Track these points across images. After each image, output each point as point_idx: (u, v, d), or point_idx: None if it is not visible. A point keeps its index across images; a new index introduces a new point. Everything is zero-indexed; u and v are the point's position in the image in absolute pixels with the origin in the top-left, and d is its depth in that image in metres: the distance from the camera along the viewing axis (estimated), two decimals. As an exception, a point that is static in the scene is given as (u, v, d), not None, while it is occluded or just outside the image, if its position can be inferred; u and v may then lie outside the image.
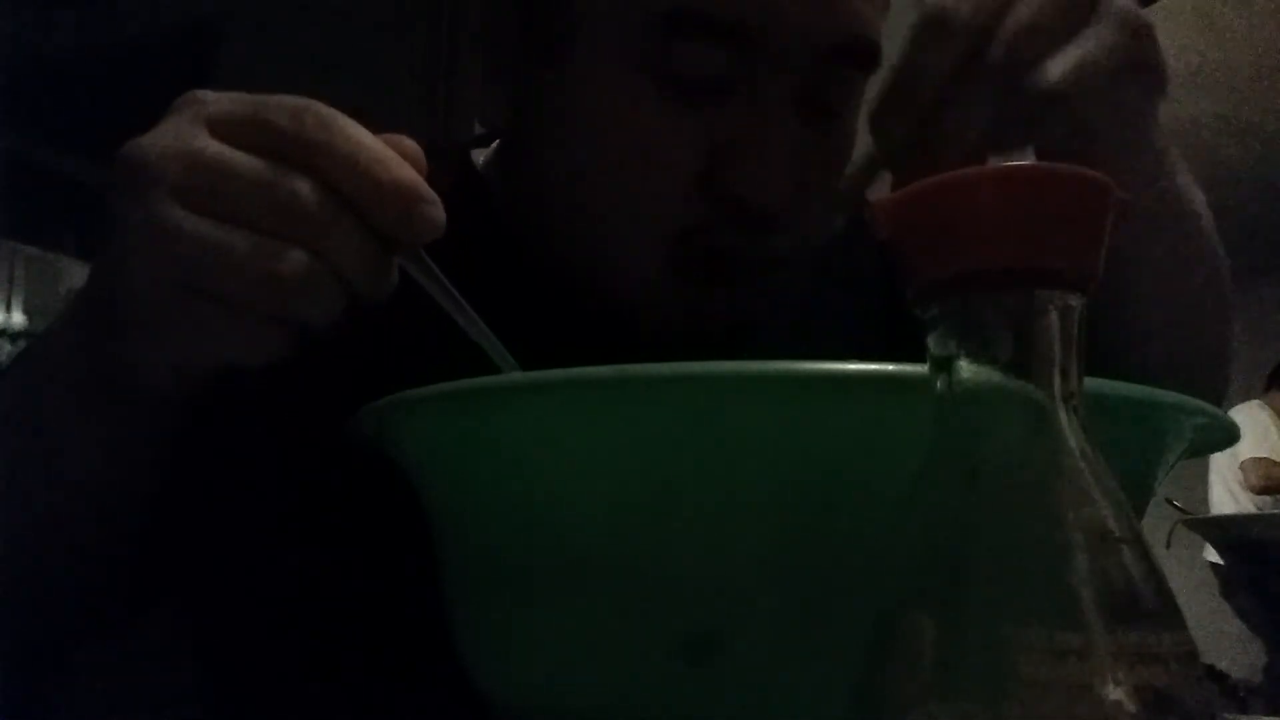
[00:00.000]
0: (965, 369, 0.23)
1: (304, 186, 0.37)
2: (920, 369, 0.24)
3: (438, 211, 0.38)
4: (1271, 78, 3.48)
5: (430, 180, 0.39)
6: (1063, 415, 0.22)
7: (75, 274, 2.83)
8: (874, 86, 0.47)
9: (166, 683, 0.62)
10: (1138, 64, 0.46)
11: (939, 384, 0.23)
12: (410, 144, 0.39)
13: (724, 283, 0.54)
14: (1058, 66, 0.42)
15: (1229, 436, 0.37)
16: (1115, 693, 0.20)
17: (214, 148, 0.38)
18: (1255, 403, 3.78)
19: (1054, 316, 0.22)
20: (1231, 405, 3.66)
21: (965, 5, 0.42)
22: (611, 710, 0.33)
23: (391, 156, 0.38)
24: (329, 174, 0.37)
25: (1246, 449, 3.63)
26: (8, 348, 2.82)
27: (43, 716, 0.53)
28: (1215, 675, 1.09)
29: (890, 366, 0.28)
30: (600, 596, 0.32)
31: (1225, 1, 3.05)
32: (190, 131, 0.38)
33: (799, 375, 0.29)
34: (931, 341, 0.23)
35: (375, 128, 0.42)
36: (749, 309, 0.57)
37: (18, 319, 2.89)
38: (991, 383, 0.22)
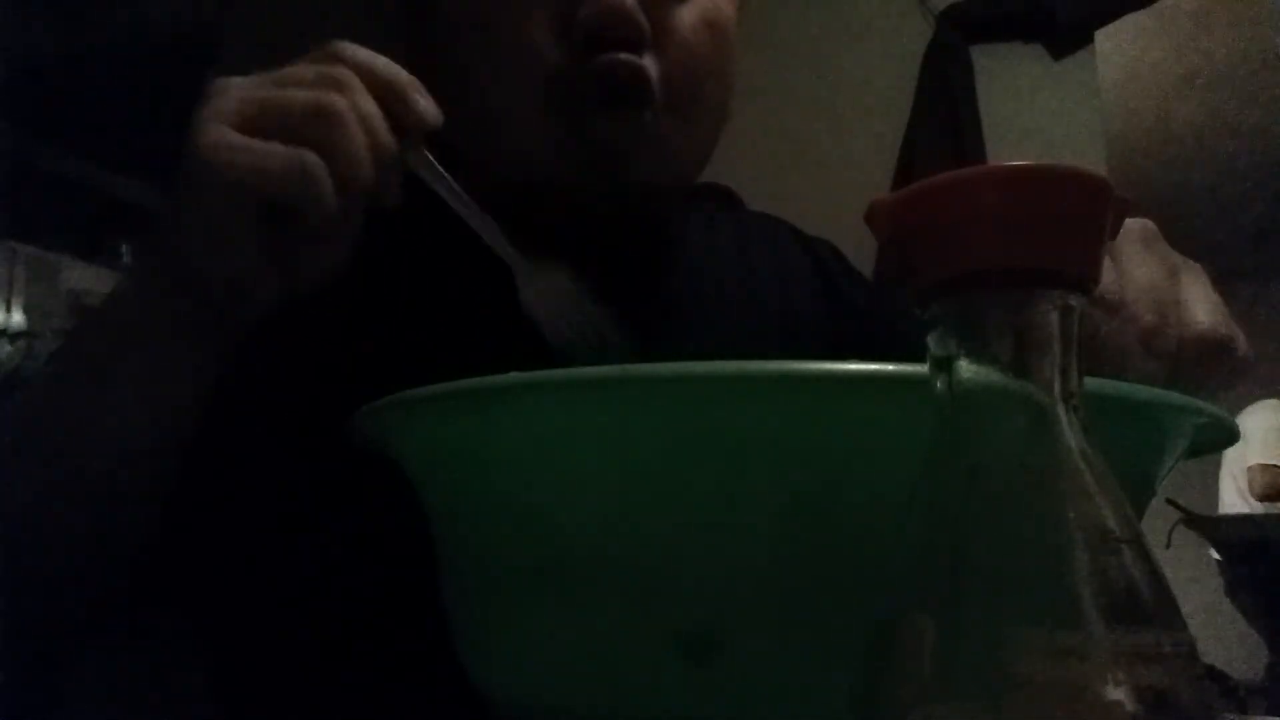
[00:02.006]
0: (965, 369, 0.23)
1: (345, 71, 0.47)
2: (920, 369, 0.24)
3: (433, 105, 0.49)
4: (1273, 78, 3.48)
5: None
6: (1063, 415, 0.22)
7: (75, 274, 2.82)
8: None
9: (168, 682, 0.62)
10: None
11: (939, 384, 0.23)
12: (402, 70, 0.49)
13: (601, 115, 0.57)
14: (1204, 311, 0.45)
15: (1229, 437, 0.37)
16: (1115, 693, 0.19)
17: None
18: (1274, 401, 3.74)
19: (1054, 316, 0.22)
20: (1246, 404, 3.64)
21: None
22: (611, 710, 0.33)
23: (394, 64, 0.49)
24: (357, 72, 0.47)
25: (1256, 452, 3.60)
26: (8, 348, 2.82)
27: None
28: (1215, 675, 1.09)
29: (890, 366, 0.28)
30: (600, 596, 0.32)
31: (1225, 2, 3.05)
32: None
33: (799, 375, 0.29)
34: (931, 341, 0.23)
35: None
36: (637, 142, 0.59)
37: (17, 319, 2.89)
38: (991, 383, 0.22)
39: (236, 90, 0.46)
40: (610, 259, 0.59)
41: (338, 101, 0.45)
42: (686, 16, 0.60)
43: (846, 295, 0.73)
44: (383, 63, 0.48)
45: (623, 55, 0.56)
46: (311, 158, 0.44)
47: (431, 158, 0.50)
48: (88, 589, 0.51)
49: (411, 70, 0.62)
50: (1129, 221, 0.46)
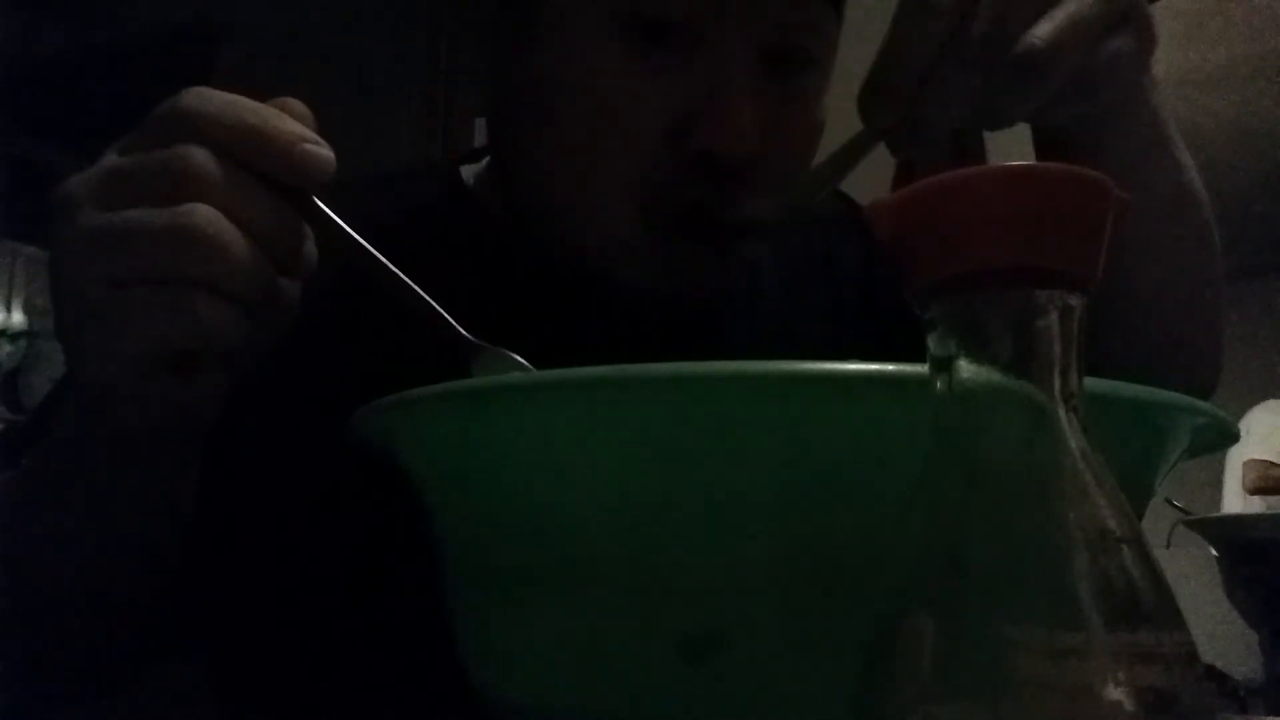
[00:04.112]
0: (965, 369, 0.23)
1: (198, 153, 0.39)
2: (920, 369, 0.24)
3: (324, 150, 0.40)
4: (1271, 78, 3.48)
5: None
6: (1063, 415, 0.22)
7: (75, 274, 2.81)
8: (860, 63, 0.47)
9: (167, 682, 0.62)
10: (1125, 16, 0.46)
11: (939, 384, 0.23)
12: (296, 102, 0.41)
13: (698, 240, 0.54)
14: (1044, 29, 0.43)
15: (1229, 437, 0.37)
16: (1115, 693, 0.20)
17: (117, 158, 0.41)
18: (1274, 402, 3.73)
19: (1054, 316, 0.22)
20: (1255, 403, 3.63)
21: None
22: (611, 710, 0.33)
23: (270, 111, 0.40)
24: (215, 138, 0.39)
25: (1254, 449, 3.60)
26: (8, 348, 2.82)
27: None
28: (1215, 675, 1.09)
29: (890, 366, 0.28)
30: (600, 596, 0.32)
31: (1224, 2, 3.05)
32: (106, 159, 0.41)
33: (799, 375, 0.29)
34: (931, 341, 0.23)
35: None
36: (727, 271, 0.57)
37: (17, 319, 2.89)
38: (991, 383, 0.22)
39: (84, 221, 0.39)
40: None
41: (197, 218, 0.37)
42: (799, 121, 0.56)
43: (851, 276, 0.71)
44: (245, 115, 0.39)
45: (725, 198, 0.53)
46: (198, 307, 0.38)
47: (329, 212, 0.42)
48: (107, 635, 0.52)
49: (495, 93, 0.59)
50: None
